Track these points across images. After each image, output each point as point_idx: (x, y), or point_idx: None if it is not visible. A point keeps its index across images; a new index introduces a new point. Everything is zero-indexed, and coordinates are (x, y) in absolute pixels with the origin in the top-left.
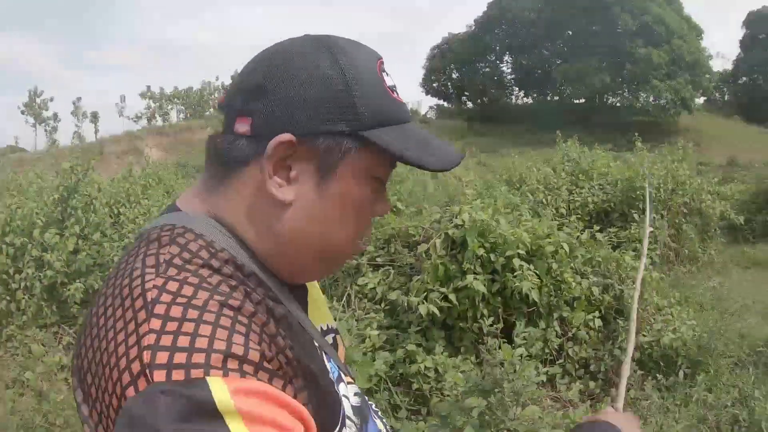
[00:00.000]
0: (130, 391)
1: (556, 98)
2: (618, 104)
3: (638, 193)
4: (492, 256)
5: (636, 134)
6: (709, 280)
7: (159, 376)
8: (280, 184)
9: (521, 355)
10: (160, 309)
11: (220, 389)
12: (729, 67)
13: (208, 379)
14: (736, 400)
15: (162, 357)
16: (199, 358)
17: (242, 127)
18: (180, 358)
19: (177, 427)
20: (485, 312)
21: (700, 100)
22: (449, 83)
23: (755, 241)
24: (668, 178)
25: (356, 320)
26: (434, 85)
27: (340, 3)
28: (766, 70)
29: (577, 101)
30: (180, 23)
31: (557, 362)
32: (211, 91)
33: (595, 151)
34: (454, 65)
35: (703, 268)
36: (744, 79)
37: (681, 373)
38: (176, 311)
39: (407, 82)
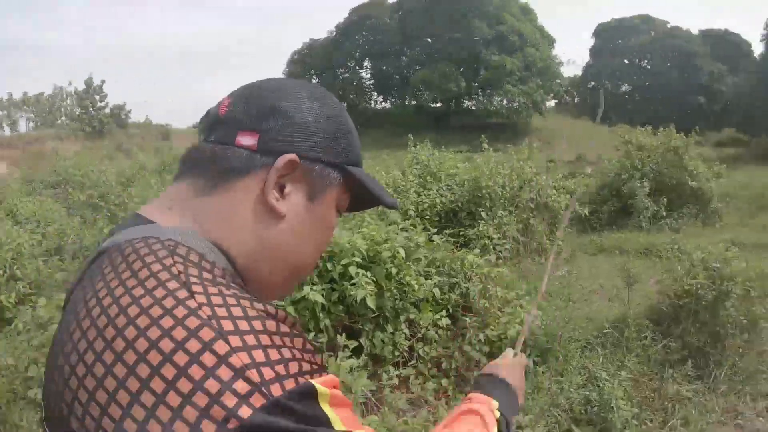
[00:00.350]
0: (245, 410)
1: (414, 102)
2: (473, 108)
3: (484, 192)
4: (329, 265)
5: (483, 136)
6: (558, 269)
7: (276, 389)
8: (276, 198)
9: (351, 367)
10: (228, 325)
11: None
12: (579, 72)
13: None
14: (586, 381)
15: (268, 371)
16: (294, 366)
17: (247, 141)
18: (281, 369)
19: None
20: (327, 323)
21: (552, 103)
22: None
23: (601, 230)
24: (513, 176)
25: None
26: None
27: (198, 4)
28: (611, 75)
29: (434, 105)
30: (26, 21)
31: (409, 363)
32: (64, 97)
33: (444, 153)
34: (314, 71)
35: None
36: (592, 83)
37: (531, 363)
38: (241, 324)
39: None
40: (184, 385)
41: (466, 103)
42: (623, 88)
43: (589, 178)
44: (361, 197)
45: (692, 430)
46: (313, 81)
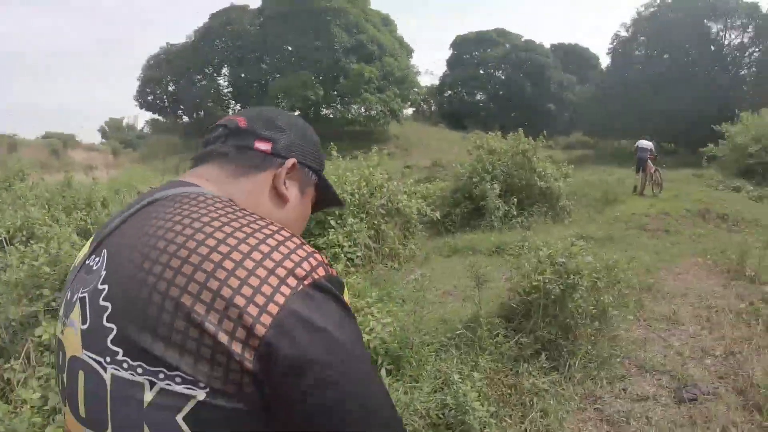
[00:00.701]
0: (286, 290)
1: None
2: (331, 116)
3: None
4: None
5: (332, 143)
6: (412, 273)
7: (322, 272)
8: (285, 188)
9: None
10: (269, 230)
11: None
12: (437, 82)
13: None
14: (441, 385)
15: (306, 265)
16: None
17: (263, 146)
18: (321, 262)
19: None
20: None
21: (410, 111)
22: (165, 96)
23: (455, 232)
24: (362, 183)
25: None
26: (149, 98)
27: (57, 6)
28: (466, 84)
29: (293, 113)
30: None
31: None
32: None
33: None
34: (171, 77)
35: (406, 262)
36: (449, 92)
37: (383, 371)
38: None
39: (124, 95)
40: (269, 263)
41: (324, 111)
42: (478, 97)
43: (443, 182)
44: (323, 197)
45: (552, 420)
46: (170, 88)
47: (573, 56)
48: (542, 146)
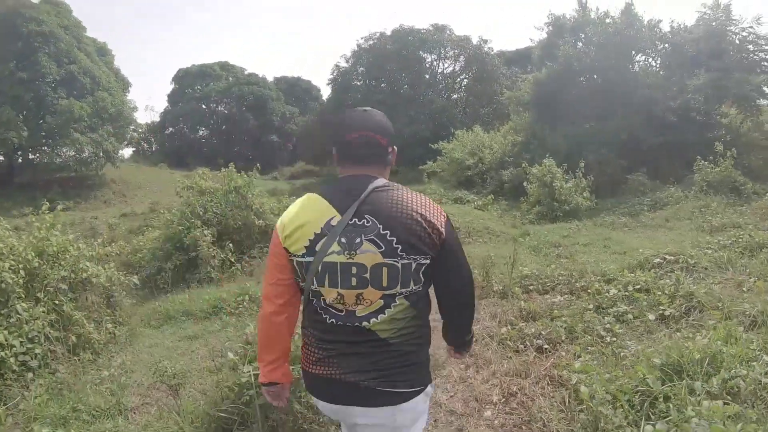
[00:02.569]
0: (446, 216)
1: None
2: (38, 161)
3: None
4: None
5: (41, 193)
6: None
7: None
8: None
9: None
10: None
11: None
12: (157, 118)
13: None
14: None
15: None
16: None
17: (390, 149)
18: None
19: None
20: None
21: (129, 151)
22: None
23: (169, 291)
24: (30, 254)
25: None
26: None
27: None
28: (188, 120)
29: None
30: None
31: None
32: None
33: None
34: None
35: (103, 349)
36: (170, 129)
37: None
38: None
39: None
40: (440, 208)
41: (31, 156)
42: (201, 132)
43: (158, 230)
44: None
45: None
46: None
47: (296, 89)
48: (260, 178)
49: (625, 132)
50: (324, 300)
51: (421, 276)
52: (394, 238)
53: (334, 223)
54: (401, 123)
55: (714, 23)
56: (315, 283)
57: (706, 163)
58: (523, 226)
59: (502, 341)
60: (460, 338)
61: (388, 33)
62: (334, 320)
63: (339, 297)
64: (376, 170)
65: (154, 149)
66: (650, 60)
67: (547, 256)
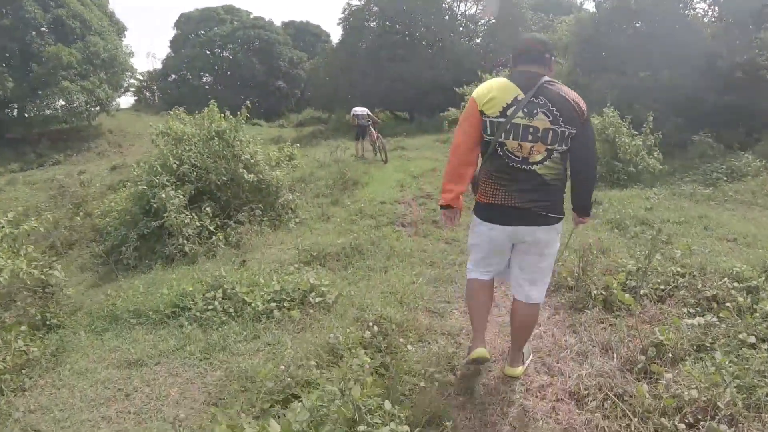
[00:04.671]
0: (585, 110)
1: None
2: (26, 114)
3: None
4: None
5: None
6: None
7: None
8: None
9: None
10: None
11: None
12: (160, 66)
13: None
14: None
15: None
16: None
17: (547, 55)
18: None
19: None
20: None
21: (129, 100)
22: None
23: (133, 269)
24: None
25: None
26: None
27: None
28: (192, 67)
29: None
30: None
31: None
32: None
33: None
34: None
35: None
36: (173, 76)
37: None
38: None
39: None
40: (582, 100)
41: (16, 108)
42: (205, 79)
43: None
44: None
45: None
46: None
47: (305, 33)
48: (258, 124)
49: (684, 88)
50: (507, 149)
51: (569, 140)
52: (558, 113)
53: (519, 98)
54: (418, 68)
55: None
56: (503, 136)
57: None
58: None
59: (633, 409)
60: (584, 201)
61: None
62: (514, 163)
63: (519, 147)
64: (541, 68)
65: (156, 98)
66: (712, 6)
67: (636, 238)
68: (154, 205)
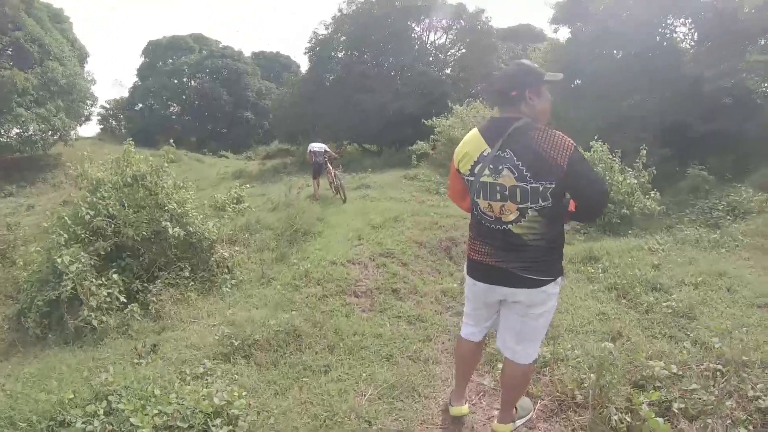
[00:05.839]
0: (572, 149)
1: None
2: None
3: None
4: None
5: None
6: None
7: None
8: None
9: None
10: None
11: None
12: (126, 94)
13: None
14: None
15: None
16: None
17: (514, 92)
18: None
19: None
20: None
21: (94, 129)
22: None
23: (43, 338)
24: None
25: None
26: None
27: None
28: (159, 95)
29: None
30: None
31: None
32: None
33: None
34: None
35: None
36: (140, 105)
37: None
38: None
39: None
40: (567, 144)
41: None
42: (172, 109)
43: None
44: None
45: None
46: None
47: (275, 64)
48: (215, 155)
49: (669, 115)
50: (480, 208)
51: (549, 195)
52: (524, 168)
53: (486, 153)
54: (386, 98)
55: None
56: (475, 195)
57: None
58: (575, 238)
59: None
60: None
61: None
62: (487, 223)
63: (489, 206)
64: (514, 112)
65: (122, 127)
66: (692, 30)
67: (652, 313)
68: (59, 267)
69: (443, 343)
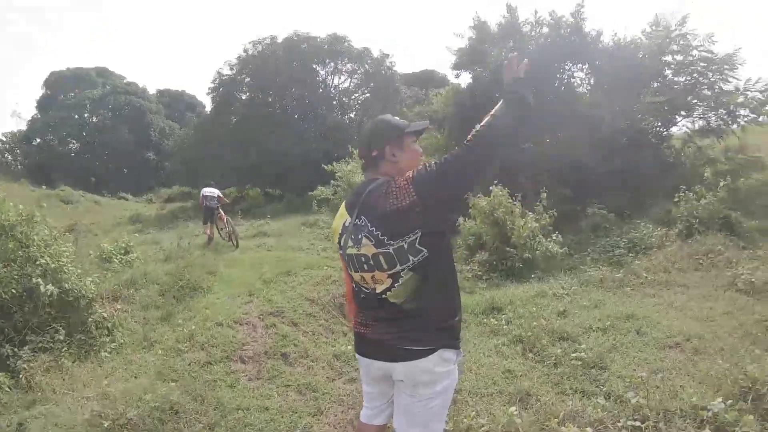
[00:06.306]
0: (413, 173)
1: None
2: None
3: None
4: None
5: None
6: None
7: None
8: None
9: None
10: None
11: None
12: (24, 127)
13: None
14: None
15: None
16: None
17: (374, 152)
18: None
19: None
20: None
21: None
22: None
23: None
24: None
25: None
26: None
27: None
28: (58, 130)
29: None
30: None
31: None
32: None
33: None
34: None
35: None
36: (38, 140)
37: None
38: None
39: None
40: (408, 175)
41: None
42: (72, 145)
43: None
44: (417, 134)
45: None
46: None
47: (179, 103)
48: (114, 197)
49: (569, 157)
50: (355, 280)
51: (420, 247)
52: (379, 232)
53: (347, 224)
54: (289, 142)
55: (662, 39)
56: (348, 268)
57: (691, 194)
58: (477, 286)
59: None
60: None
61: (280, 40)
62: (364, 295)
63: (362, 278)
64: (375, 173)
65: (18, 163)
66: (589, 75)
67: (562, 366)
68: None
69: (336, 415)
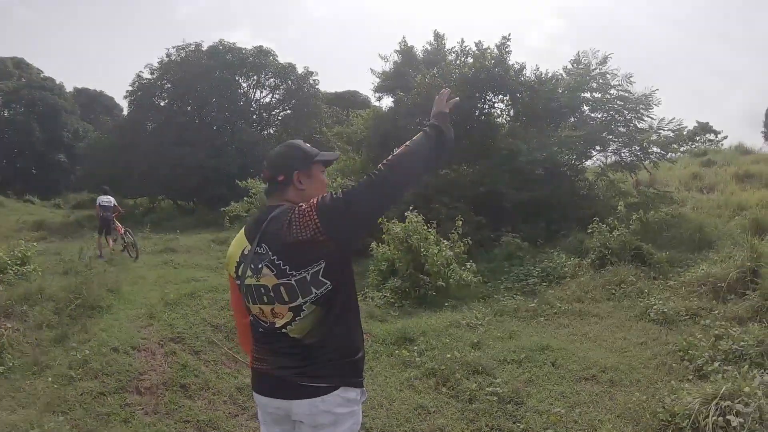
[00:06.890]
0: (317, 201)
1: None
2: None
3: None
4: None
5: None
6: None
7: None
8: None
9: None
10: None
11: None
12: None
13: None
14: None
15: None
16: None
17: (281, 177)
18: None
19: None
20: None
21: None
22: None
23: None
24: None
25: None
26: None
27: None
28: None
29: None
30: None
31: None
32: None
33: None
34: None
35: None
36: None
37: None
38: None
39: None
40: (312, 202)
41: None
42: None
43: None
44: (325, 164)
45: None
46: None
47: (97, 104)
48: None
49: (485, 185)
50: (253, 314)
51: (323, 279)
52: (281, 262)
53: (246, 252)
54: (205, 154)
55: (581, 77)
56: (245, 300)
57: (604, 225)
58: (389, 314)
59: None
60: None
61: (205, 48)
62: (262, 329)
63: (260, 311)
64: (278, 199)
65: None
66: (509, 106)
67: (476, 402)
68: None
69: None
